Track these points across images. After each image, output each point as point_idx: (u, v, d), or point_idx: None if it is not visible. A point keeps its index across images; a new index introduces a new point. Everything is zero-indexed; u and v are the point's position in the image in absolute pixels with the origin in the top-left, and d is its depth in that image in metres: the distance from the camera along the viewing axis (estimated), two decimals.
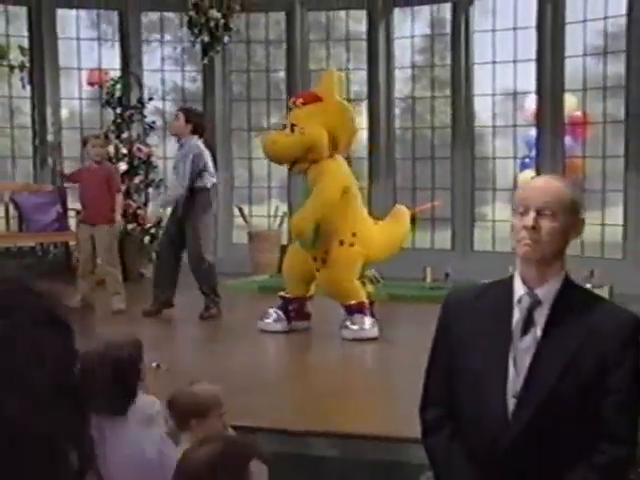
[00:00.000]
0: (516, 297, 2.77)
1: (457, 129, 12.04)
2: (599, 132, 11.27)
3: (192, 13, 11.87)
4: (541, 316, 2.73)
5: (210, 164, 9.09)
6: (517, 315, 2.75)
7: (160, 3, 12.71)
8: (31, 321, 1.49)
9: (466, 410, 2.82)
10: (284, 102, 11.78)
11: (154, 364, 4.79)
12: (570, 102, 11.31)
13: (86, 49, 12.77)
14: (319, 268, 7.96)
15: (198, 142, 9.09)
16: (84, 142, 9.84)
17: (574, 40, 11.11)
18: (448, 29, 12.14)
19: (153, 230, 11.79)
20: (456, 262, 10.95)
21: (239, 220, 12.74)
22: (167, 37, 13.34)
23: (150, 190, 12.16)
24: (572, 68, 11.25)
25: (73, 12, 12.76)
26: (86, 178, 9.50)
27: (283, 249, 9.92)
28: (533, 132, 11.61)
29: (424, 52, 12.85)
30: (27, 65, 11.89)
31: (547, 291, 2.74)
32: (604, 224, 11.03)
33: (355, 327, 7.85)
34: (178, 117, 9.02)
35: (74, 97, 12.90)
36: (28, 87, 12.07)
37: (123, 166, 11.67)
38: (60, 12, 12.55)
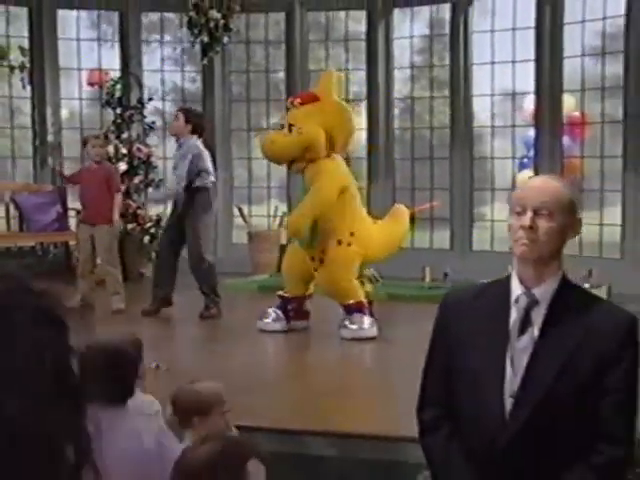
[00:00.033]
0: (513, 297, 2.77)
1: (456, 129, 12.06)
2: (597, 132, 11.30)
3: (192, 13, 11.89)
4: (538, 316, 2.73)
5: (209, 164, 9.11)
6: (514, 315, 2.75)
7: (160, 3, 12.73)
8: (31, 321, 1.49)
9: (464, 410, 2.82)
10: (284, 102, 11.78)
11: (153, 364, 4.80)
12: (568, 102, 11.33)
13: (86, 49, 12.79)
14: (317, 268, 7.99)
15: (197, 142, 9.11)
16: (84, 142, 9.87)
17: (572, 41, 11.13)
18: (447, 29, 12.16)
19: (153, 230, 11.82)
20: (455, 262, 10.97)
21: (239, 220, 12.76)
22: (167, 37, 13.36)
23: (150, 190, 12.20)
24: (570, 68, 11.27)
25: (73, 13, 12.78)
26: (86, 178, 9.52)
27: (282, 249, 9.93)
28: (532, 132, 11.64)
29: (423, 52, 12.86)
30: (27, 65, 11.89)
31: (544, 291, 2.74)
32: (602, 224, 11.05)
33: (354, 327, 7.87)
34: (178, 117, 9.06)
35: (74, 97, 12.92)
36: (28, 87, 12.08)
37: (123, 166, 11.69)
38: (60, 13, 12.57)
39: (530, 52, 11.45)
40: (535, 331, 2.73)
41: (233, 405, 3.98)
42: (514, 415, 2.70)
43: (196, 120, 9.14)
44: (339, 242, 7.89)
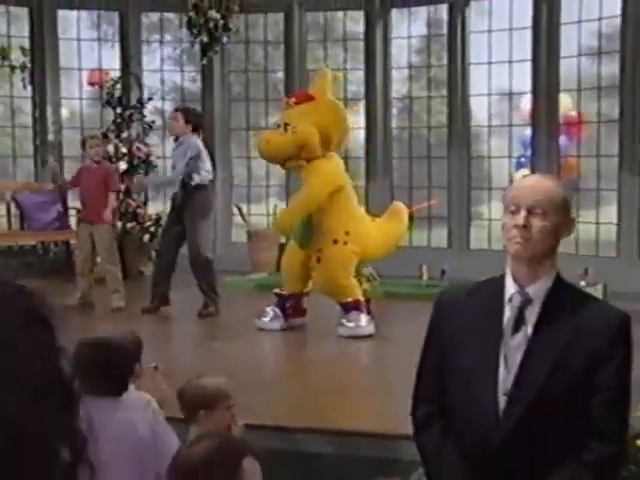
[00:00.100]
0: (507, 295, 2.76)
1: (453, 129, 12.10)
2: (594, 132, 11.34)
3: (191, 14, 11.95)
4: (532, 314, 2.73)
5: (208, 163, 9.17)
6: (508, 313, 2.75)
7: (160, 4, 12.77)
8: (23, 322, 1.50)
9: (457, 408, 2.82)
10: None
11: (152, 364, 4.82)
12: (565, 102, 11.36)
13: (86, 49, 12.84)
14: (314, 267, 8.02)
15: (197, 140, 9.16)
16: (82, 143, 9.91)
17: (569, 41, 11.17)
18: (445, 30, 12.19)
19: (152, 229, 11.86)
20: (452, 260, 10.96)
21: (238, 219, 12.79)
22: (167, 37, 13.40)
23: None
24: (567, 68, 11.30)
25: (74, 13, 12.82)
26: (86, 178, 9.56)
27: (282, 247, 9.94)
28: (528, 132, 11.68)
29: (421, 52, 12.90)
30: (28, 65, 11.91)
31: (538, 289, 2.74)
32: (598, 223, 11.11)
33: (351, 324, 7.90)
34: (177, 118, 9.07)
35: (75, 97, 12.97)
36: (29, 87, 12.09)
37: (123, 165, 11.74)
38: (61, 13, 12.62)
39: (527, 52, 11.50)
40: (528, 329, 2.73)
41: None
42: (507, 413, 2.70)
43: (195, 119, 9.19)
44: (335, 241, 7.90)
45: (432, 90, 12.67)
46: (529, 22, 11.42)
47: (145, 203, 12.18)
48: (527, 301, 2.74)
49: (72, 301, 9.33)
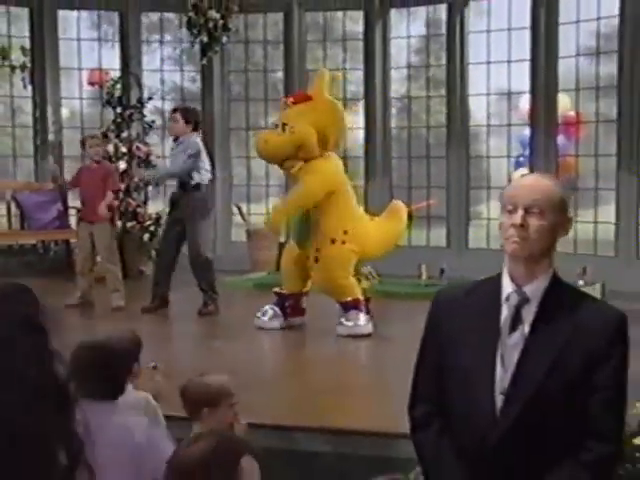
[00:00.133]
0: (504, 294, 2.75)
1: (452, 128, 12.12)
2: (592, 131, 11.37)
3: (191, 14, 11.99)
4: (529, 313, 2.72)
5: (207, 162, 9.21)
6: (505, 312, 2.74)
7: (160, 4, 12.80)
8: (18, 328, 1.54)
9: (455, 407, 2.81)
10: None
11: (152, 364, 4.84)
12: (564, 102, 11.39)
13: (87, 49, 12.87)
14: (312, 267, 8.04)
15: (197, 139, 9.21)
16: (82, 143, 9.94)
17: (567, 41, 11.20)
18: (443, 30, 12.22)
19: (152, 228, 11.89)
20: (451, 259, 10.99)
21: (238, 218, 12.82)
22: (167, 38, 13.43)
23: (149, 188, 12.27)
24: (565, 68, 11.33)
25: (74, 13, 12.85)
26: (86, 177, 9.59)
27: (281, 247, 9.96)
28: (527, 131, 11.72)
29: (420, 52, 12.92)
30: (28, 65, 11.97)
31: (535, 288, 2.73)
32: (597, 222, 11.14)
33: (349, 323, 7.92)
34: (177, 119, 9.08)
35: (75, 97, 12.99)
36: (29, 87, 12.14)
37: (123, 165, 11.78)
38: (61, 13, 12.65)
39: (525, 52, 11.52)
40: (526, 328, 2.72)
41: None
42: (504, 412, 2.69)
43: (195, 118, 9.24)
44: (333, 241, 7.92)
45: (431, 90, 12.70)
46: (528, 22, 11.44)
47: (145, 202, 12.21)
48: (524, 300, 2.73)
49: (72, 300, 9.38)
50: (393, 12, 12.55)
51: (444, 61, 12.26)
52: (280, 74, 13.16)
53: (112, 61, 12.77)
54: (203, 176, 9.09)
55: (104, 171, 9.63)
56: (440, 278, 10.08)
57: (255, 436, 4.10)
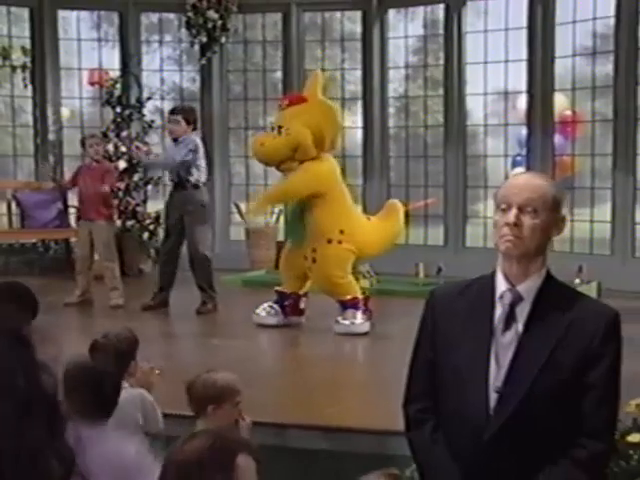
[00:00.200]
0: (498, 293, 2.78)
1: (450, 128, 12.12)
2: (588, 131, 11.39)
3: (190, 14, 12.06)
4: (523, 312, 2.74)
5: (204, 160, 9.26)
6: (499, 311, 2.77)
7: (159, 4, 12.84)
8: (5, 339, 1.56)
9: (448, 405, 2.83)
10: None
11: (148, 366, 4.87)
12: (560, 101, 11.41)
13: (87, 49, 12.87)
14: (311, 267, 8.07)
15: (197, 138, 9.28)
16: (82, 142, 9.98)
17: (564, 41, 11.20)
18: (441, 30, 12.22)
19: (152, 227, 11.94)
20: (449, 258, 11.02)
21: (236, 217, 12.90)
22: (166, 38, 13.45)
23: (149, 187, 12.32)
24: (562, 68, 11.34)
25: (74, 13, 12.89)
26: (85, 176, 9.65)
27: (279, 245, 10.02)
28: (524, 131, 11.74)
29: (418, 52, 12.96)
30: (29, 65, 12.03)
31: (528, 287, 2.76)
32: (593, 221, 11.18)
33: (346, 322, 7.95)
34: (178, 121, 9.07)
35: (75, 96, 13.01)
36: (30, 87, 12.19)
37: (122, 164, 11.83)
38: (61, 13, 12.67)
39: (522, 52, 11.52)
40: (519, 327, 2.74)
41: None
42: (498, 410, 2.71)
43: (194, 118, 9.32)
44: (329, 241, 7.95)
45: (429, 89, 12.72)
46: (524, 22, 11.44)
47: (145, 201, 12.26)
48: (518, 299, 2.76)
49: (72, 299, 9.44)
50: (391, 12, 12.57)
51: (442, 61, 12.25)
52: (279, 74, 13.17)
53: (112, 61, 12.78)
54: (201, 174, 9.14)
55: (103, 170, 9.68)
56: (437, 277, 10.07)
57: (252, 433, 4.13)
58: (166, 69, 13.38)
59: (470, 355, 2.77)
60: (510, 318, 2.77)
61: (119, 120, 12.03)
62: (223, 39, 12.29)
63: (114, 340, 4.37)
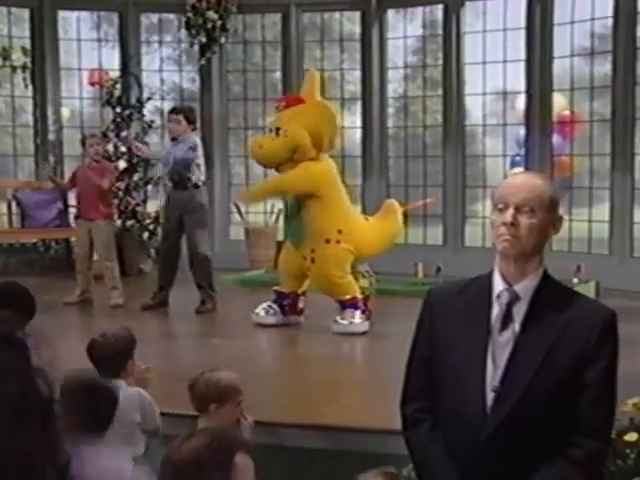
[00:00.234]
0: (495, 293, 2.79)
1: (449, 128, 12.12)
2: (587, 131, 11.40)
3: (190, 15, 12.08)
4: (519, 311, 2.75)
5: (203, 160, 9.28)
6: (496, 310, 2.78)
7: (159, 5, 12.86)
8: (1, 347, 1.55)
9: (445, 404, 2.84)
10: None
11: (143, 366, 4.89)
12: (558, 101, 11.43)
13: (87, 50, 12.89)
14: (309, 267, 8.08)
15: (196, 138, 9.30)
16: (82, 142, 10.01)
17: (562, 41, 11.21)
18: (440, 30, 12.22)
19: (152, 226, 11.96)
20: (447, 258, 11.02)
21: (236, 217, 12.92)
22: (166, 38, 13.47)
23: (149, 187, 12.34)
24: (560, 68, 11.35)
25: (74, 13, 12.91)
26: (85, 176, 9.68)
27: (279, 245, 10.03)
28: (523, 131, 11.76)
29: (417, 52, 13.00)
30: (29, 65, 12.05)
31: (526, 287, 2.76)
32: (591, 220, 11.18)
33: (345, 322, 7.96)
34: (179, 121, 9.09)
35: (75, 97, 13.02)
36: (30, 87, 12.21)
37: (122, 164, 11.86)
38: (61, 13, 12.69)
39: (521, 52, 11.52)
40: (516, 326, 2.75)
41: None
42: (495, 409, 2.72)
43: (194, 117, 9.34)
44: (327, 241, 7.96)
45: (428, 90, 12.72)
46: (523, 23, 11.45)
47: (144, 201, 12.28)
48: (515, 298, 2.77)
49: (72, 298, 9.46)
50: (390, 13, 12.58)
51: (441, 61, 12.26)
52: (278, 74, 13.19)
53: (112, 61, 12.79)
54: (201, 174, 9.16)
55: (102, 169, 9.71)
56: (436, 276, 10.07)
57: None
58: (166, 69, 13.40)
59: (467, 354, 2.78)
60: (507, 318, 2.77)
61: (119, 120, 12.05)
62: (223, 39, 12.32)
63: (112, 339, 4.39)
